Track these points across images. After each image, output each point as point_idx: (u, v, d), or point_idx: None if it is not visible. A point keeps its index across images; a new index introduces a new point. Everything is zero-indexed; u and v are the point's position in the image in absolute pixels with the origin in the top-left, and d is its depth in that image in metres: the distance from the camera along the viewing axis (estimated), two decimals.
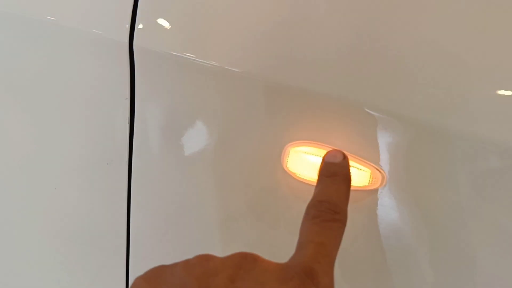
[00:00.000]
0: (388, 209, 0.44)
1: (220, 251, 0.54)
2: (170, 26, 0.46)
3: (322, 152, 0.42)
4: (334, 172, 0.35)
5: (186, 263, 0.30)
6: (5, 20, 0.52)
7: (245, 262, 0.29)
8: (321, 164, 0.37)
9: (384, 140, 0.41)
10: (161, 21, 0.46)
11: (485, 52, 0.38)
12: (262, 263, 0.29)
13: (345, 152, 0.39)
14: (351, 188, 0.36)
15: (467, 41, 0.39)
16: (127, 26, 0.47)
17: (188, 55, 0.45)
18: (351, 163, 0.41)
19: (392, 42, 0.40)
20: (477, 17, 0.39)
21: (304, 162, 0.43)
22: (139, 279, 0.31)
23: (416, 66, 0.39)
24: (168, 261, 0.55)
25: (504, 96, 0.38)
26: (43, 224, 0.63)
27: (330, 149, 0.41)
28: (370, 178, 0.42)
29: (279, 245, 0.45)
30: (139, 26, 0.47)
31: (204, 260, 0.30)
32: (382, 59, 0.40)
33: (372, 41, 0.40)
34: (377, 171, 0.42)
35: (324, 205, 0.32)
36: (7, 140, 0.59)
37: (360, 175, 0.42)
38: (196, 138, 0.50)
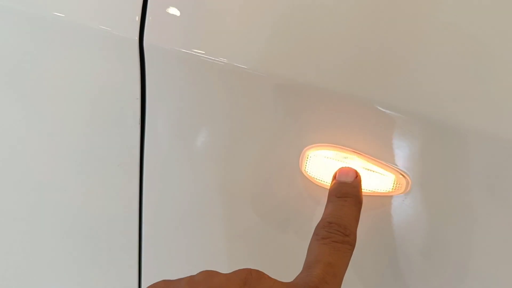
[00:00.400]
0: (412, 215, 0.42)
1: (230, 255, 0.53)
2: (180, 23, 0.44)
3: (341, 156, 0.39)
4: (346, 193, 0.34)
5: (191, 280, 0.29)
6: (12, 16, 0.50)
7: (250, 279, 0.28)
8: (332, 182, 0.36)
9: (406, 143, 0.39)
10: (171, 18, 0.44)
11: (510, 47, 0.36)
12: (268, 281, 0.28)
13: (367, 156, 0.37)
14: (374, 194, 0.34)
15: (490, 36, 0.36)
16: (137, 22, 0.45)
17: (198, 52, 0.43)
18: (374, 167, 0.39)
19: (408, 39, 0.37)
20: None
21: (324, 165, 0.41)
22: None
23: (434, 63, 0.37)
24: (178, 261, 0.54)
25: None
26: (55, 224, 0.62)
27: (350, 152, 0.39)
28: (394, 184, 0.40)
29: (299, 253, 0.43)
30: (149, 22, 0.45)
31: (209, 276, 0.29)
32: (398, 57, 0.37)
33: (387, 38, 0.38)
34: (401, 176, 0.40)
35: (334, 227, 0.31)
36: (17, 139, 0.58)
37: (384, 180, 0.40)
38: (208, 139, 0.48)
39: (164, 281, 0.30)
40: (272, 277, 0.29)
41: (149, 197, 0.54)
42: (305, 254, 0.32)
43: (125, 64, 0.47)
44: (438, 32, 0.37)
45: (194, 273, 0.30)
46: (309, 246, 0.32)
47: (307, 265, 0.30)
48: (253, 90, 0.43)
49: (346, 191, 0.34)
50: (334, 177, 0.36)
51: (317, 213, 0.42)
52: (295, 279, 0.30)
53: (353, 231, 0.32)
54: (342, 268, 0.30)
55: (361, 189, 0.36)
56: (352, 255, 0.31)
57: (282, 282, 0.29)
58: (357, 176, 0.35)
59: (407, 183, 0.40)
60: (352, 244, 0.31)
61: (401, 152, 0.39)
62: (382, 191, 0.40)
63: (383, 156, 0.40)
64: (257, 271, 0.29)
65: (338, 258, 0.30)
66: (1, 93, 0.56)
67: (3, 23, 0.51)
